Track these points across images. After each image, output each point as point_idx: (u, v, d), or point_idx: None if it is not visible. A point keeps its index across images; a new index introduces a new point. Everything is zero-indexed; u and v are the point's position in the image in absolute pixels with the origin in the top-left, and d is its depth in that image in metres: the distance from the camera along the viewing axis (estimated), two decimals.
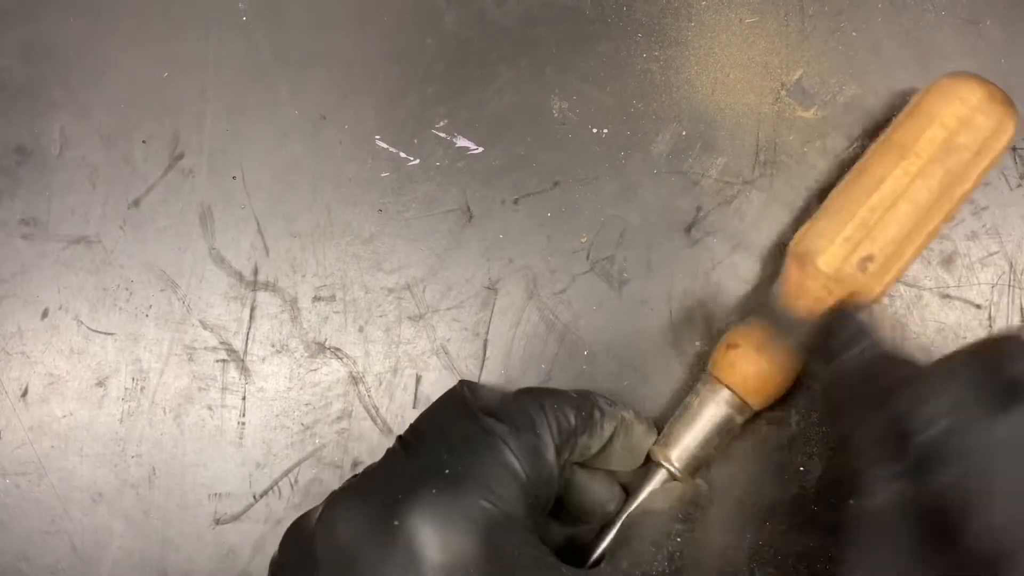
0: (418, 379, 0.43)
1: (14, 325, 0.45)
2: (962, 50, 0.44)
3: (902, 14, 0.44)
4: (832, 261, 0.37)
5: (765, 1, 0.45)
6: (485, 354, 0.43)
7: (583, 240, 0.44)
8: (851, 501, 0.30)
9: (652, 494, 0.38)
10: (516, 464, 0.32)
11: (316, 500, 0.42)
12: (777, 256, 0.43)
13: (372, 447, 0.43)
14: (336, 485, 0.42)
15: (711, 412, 0.39)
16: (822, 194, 0.42)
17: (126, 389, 0.44)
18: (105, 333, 0.44)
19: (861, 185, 0.38)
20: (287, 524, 0.42)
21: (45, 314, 0.45)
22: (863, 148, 0.43)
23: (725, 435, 0.39)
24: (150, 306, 0.45)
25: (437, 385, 0.43)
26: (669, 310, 0.43)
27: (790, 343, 0.38)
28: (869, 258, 0.37)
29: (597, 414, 0.37)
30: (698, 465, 0.39)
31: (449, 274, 0.44)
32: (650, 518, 0.37)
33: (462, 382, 0.37)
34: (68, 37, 0.47)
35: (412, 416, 0.43)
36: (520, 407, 0.34)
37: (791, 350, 0.38)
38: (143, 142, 0.46)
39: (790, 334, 0.38)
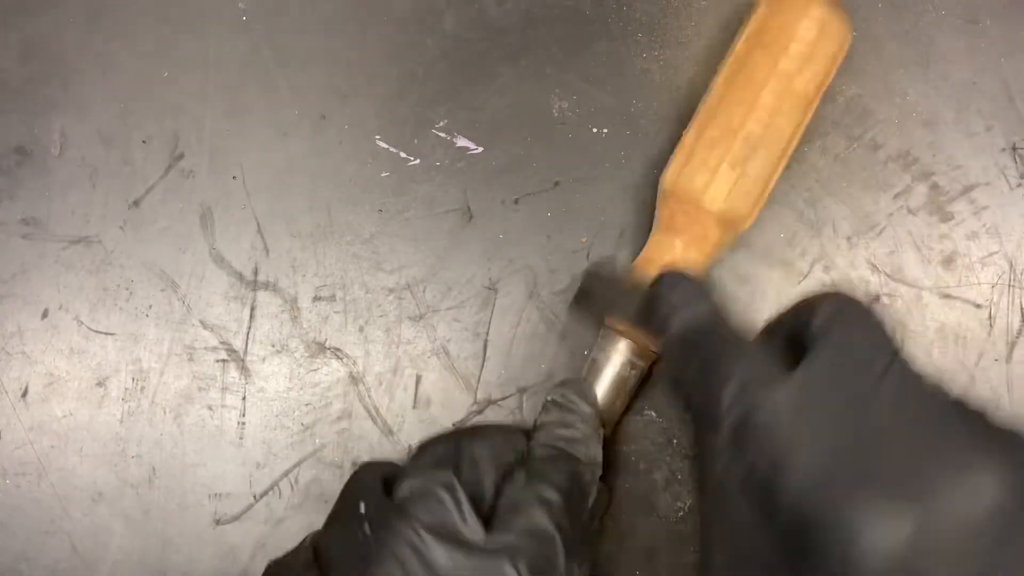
0: (418, 379, 0.43)
1: (14, 325, 0.45)
2: (962, 50, 0.44)
3: (902, 14, 0.44)
4: (749, 223, 0.40)
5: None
6: (485, 354, 0.43)
7: (583, 240, 0.44)
8: (701, 461, 0.30)
9: None
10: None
11: (316, 500, 0.42)
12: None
13: (372, 447, 0.43)
14: (336, 485, 0.42)
15: (614, 364, 0.39)
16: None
17: (126, 389, 0.44)
18: (105, 333, 0.44)
19: (777, 143, 0.39)
20: (287, 524, 0.42)
21: (45, 314, 0.45)
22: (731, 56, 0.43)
23: (630, 383, 0.40)
24: (150, 306, 0.45)
25: (437, 385, 0.43)
26: None
27: (626, 317, 0.38)
28: (761, 207, 0.40)
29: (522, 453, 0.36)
30: (613, 416, 0.40)
31: (449, 274, 0.44)
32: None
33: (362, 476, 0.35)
34: (68, 37, 0.47)
35: (412, 416, 0.43)
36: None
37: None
38: (143, 142, 0.46)
39: (623, 311, 0.38)
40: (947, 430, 0.26)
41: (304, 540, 0.34)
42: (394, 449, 0.43)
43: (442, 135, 0.45)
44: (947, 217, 0.43)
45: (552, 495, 0.33)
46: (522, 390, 0.43)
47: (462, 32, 0.46)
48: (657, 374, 0.40)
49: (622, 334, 0.39)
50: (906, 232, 0.43)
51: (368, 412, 0.43)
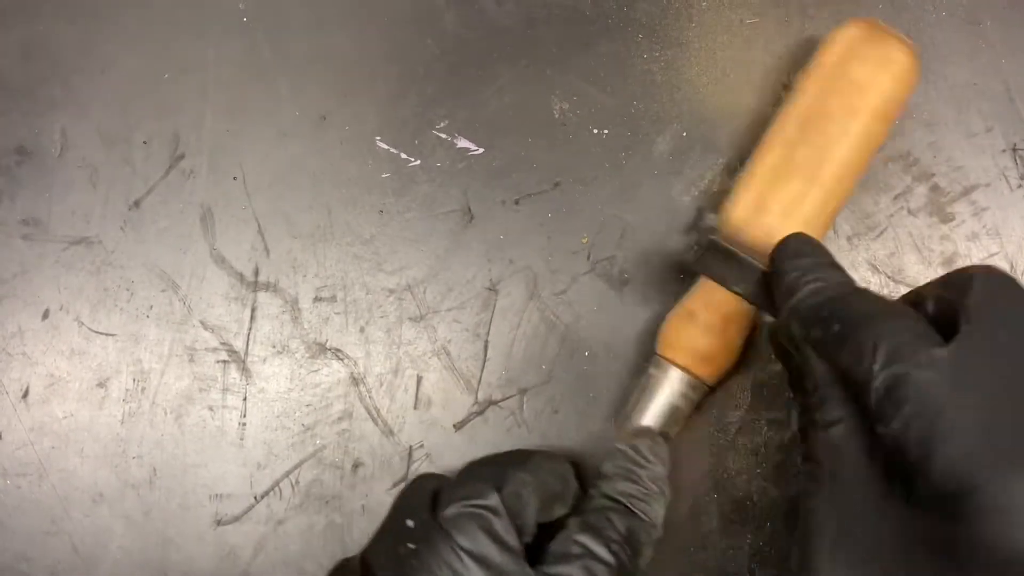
0: (419, 380, 0.43)
1: (15, 325, 0.45)
2: (962, 50, 0.44)
3: (902, 14, 0.44)
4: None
5: (766, 2, 0.45)
6: (486, 355, 0.43)
7: (584, 241, 0.44)
8: (811, 437, 0.30)
9: None
10: None
11: (317, 501, 0.43)
12: None
13: (373, 448, 0.43)
14: (337, 486, 0.43)
15: (664, 393, 0.38)
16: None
17: (127, 390, 0.44)
18: (106, 334, 0.44)
19: (806, 161, 0.38)
20: (288, 525, 0.42)
21: (46, 315, 0.45)
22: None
23: (681, 415, 0.39)
24: (151, 307, 0.45)
25: (438, 386, 0.43)
26: (669, 310, 0.43)
27: (742, 289, 0.36)
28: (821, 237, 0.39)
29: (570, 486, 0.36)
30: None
31: (450, 275, 0.44)
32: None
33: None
34: (68, 37, 0.47)
35: (413, 417, 0.43)
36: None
37: (740, 303, 0.37)
38: (143, 142, 0.46)
39: (740, 281, 0.36)
40: None
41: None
42: (395, 450, 0.43)
43: (442, 136, 0.45)
44: (948, 218, 0.43)
45: (603, 552, 0.33)
46: (523, 391, 0.43)
47: (462, 32, 0.46)
48: (770, 334, 0.36)
49: (674, 363, 0.39)
50: (907, 233, 0.43)
51: (369, 413, 0.43)
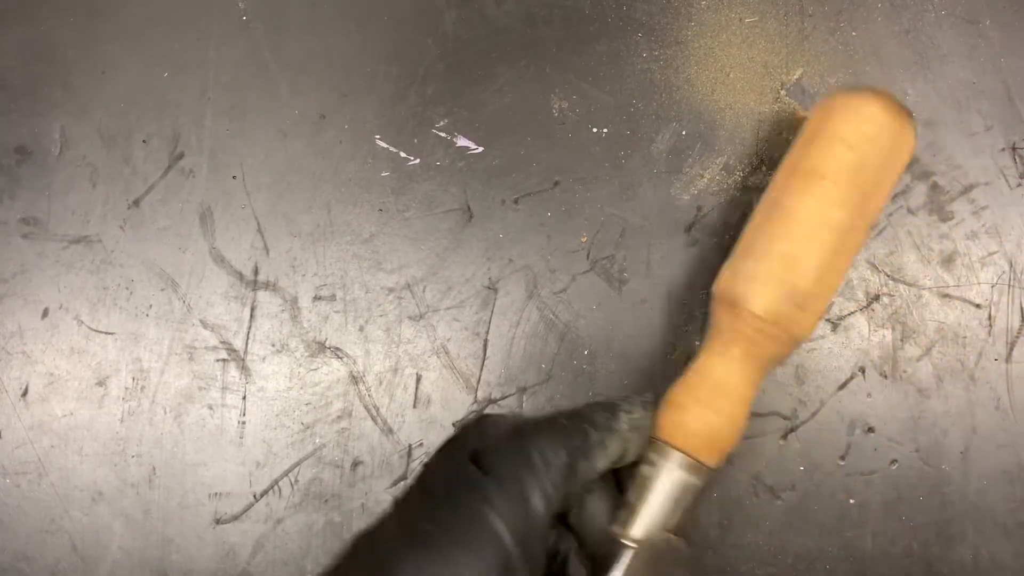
0: (418, 378, 0.43)
1: (14, 324, 0.45)
2: (961, 50, 0.44)
3: (902, 14, 0.44)
4: (767, 304, 0.36)
5: (765, 1, 0.45)
6: (485, 354, 0.43)
7: (583, 240, 0.44)
8: None
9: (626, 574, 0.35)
10: (499, 524, 0.30)
11: (316, 499, 0.42)
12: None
13: (372, 446, 0.43)
14: (336, 484, 0.43)
15: (666, 479, 0.35)
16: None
17: (126, 388, 0.44)
18: (105, 332, 0.44)
19: (778, 218, 0.37)
20: (287, 524, 0.42)
21: (45, 313, 0.45)
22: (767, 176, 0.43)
23: (686, 498, 0.35)
24: (150, 305, 0.45)
25: (437, 384, 0.43)
26: (669, 309, 0.43)
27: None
28: (804, 293, 0.36)
29: (594, 436, 0.34)
30: (666, 532, 0.36)
31: (449, 274, 0.44)
32: None
33: (472, 424, 0.34)
34: (68, 37, 0.47)
35: (412, 415, 0.43)
36: (504, 456, 0.32)
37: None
38: (143, 142, 0.46)
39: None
40: None
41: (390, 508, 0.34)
42: (394, 448, 0.43)
43: (442, 135, 0.45)
44: (947, 217, 0.43)
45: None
46: (522, 389, 0.43)
47: (462, 32, 0.46)
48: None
49: (677, 448, 0.35)
50: (906, 232, 0.43)
51: (368, 411, 0.43)
